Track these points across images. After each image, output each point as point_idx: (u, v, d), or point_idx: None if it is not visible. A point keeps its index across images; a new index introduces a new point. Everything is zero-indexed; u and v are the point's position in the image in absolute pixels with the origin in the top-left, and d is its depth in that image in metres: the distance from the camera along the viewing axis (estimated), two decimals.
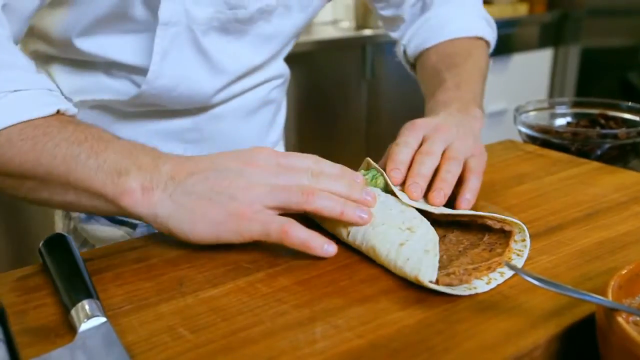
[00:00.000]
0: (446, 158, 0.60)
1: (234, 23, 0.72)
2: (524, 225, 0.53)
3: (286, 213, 0.53)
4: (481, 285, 0.47)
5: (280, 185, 0.52)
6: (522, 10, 2.63)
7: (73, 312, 0.44)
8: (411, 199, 0.56)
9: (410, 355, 0.40)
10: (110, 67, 0.72)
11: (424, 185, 0.58)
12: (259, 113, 0.84)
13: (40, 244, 0.53)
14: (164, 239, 0.56)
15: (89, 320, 0.43)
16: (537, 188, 0.68)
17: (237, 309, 0.46)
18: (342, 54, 2.16)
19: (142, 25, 0.68)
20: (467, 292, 0.46)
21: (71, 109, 0.58)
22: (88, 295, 0.45)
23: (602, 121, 0.91)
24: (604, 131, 0.85)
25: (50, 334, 0.43)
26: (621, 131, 0.83)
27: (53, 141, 0.53)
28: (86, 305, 0.44)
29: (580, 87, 2.66)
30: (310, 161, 0.56)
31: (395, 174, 0.59)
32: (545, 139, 0.86)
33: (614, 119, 0.91)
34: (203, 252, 0.53)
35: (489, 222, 0.55)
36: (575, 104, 0.97)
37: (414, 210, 0.55)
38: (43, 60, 0.76)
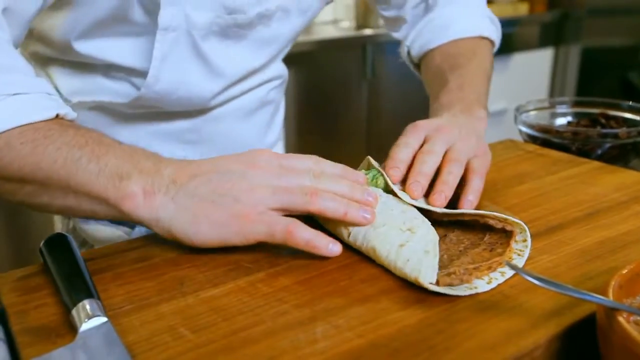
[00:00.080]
0: (448, 160, 0.60)
1: (234, 28, 0.72)
2: (525, 226, 0.53)
3: (289, 214, 0.53)
4: (482, 284, 0.47)
5: (283, 186, 0.52)
6: (523, 9, 2.63)
7: (74, 312, 0.44)
8: (412, 197, 0.56)
9: (411, 355, 0.40)
10: (109, 69, 0.72)
11: (425, 184, 0.58)
12: (257, 114, 0.84)
13: (41, 244, 0.53)
14: (165, 239, 0.56)
15: (90, 320, 0.43)
16: (538, 187, 0.68)
17: (238, 308, 0.46)
18: (343, 54, 2.16)
19: (142, 28, 0.68)
20: (467, 292, 0.46)
21: (70, 113, 0.58)
22: (89, 295, 0.45)
23: (603, 121, 0.91)
24: (604, 131, 0.85)
25: (51, 333, 0.43)
26: (622, 131, 0.83)
27: (54, 145, 0.53)
28: (87, 305, 0.44)
29: (581, 86, 2.66)
30: (311, 162, 0.56)
31: (394, 172, 0.58)
32: (545, 138, 0.86)
33: (615, 118, 0.91)
34: (204, 251, 0.53)
35: (491, 222, 0.55)
36: (576, 104, 0.97)
37: (415, 210, 0.55)
38: (42, 61, 0.76)
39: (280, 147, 0.96)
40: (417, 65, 0.91)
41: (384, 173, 0.59)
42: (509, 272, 0.49)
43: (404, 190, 0.58)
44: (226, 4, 0.69)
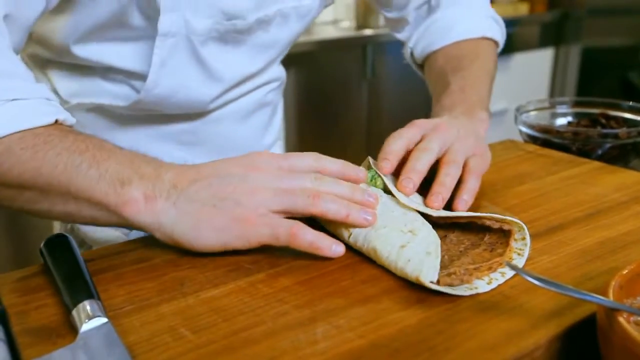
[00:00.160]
0: (445, 161, 0.60)
1: (233, 33, 0.72)
2: (522, 224, 0.53)
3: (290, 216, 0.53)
4: (482, 285, 0.47)
5: (284, 188, 0.52)
6: (523, 9, 2.63)
7: (74, 312, 0.44)
8: (403, 194, 0.56)
9: (412, 355, 0.40)
10: (108, 71, 0.72)
11: (417, 181, 0.57)
12: (255, 115, 0.84)
13: (41, 245, 0.53)
14: None
15: (90, 320, 0.43)
16: (538, 188, 0.68)
17: (239, 309, 0.46)
18: (343, 54, 2.16)
19: (141, 32, 0.68)
20: (468, 292, 0.46)
21: (69, 119, 0.57)
22: (89, 295, 0.45)
23: (603, 121, 0.91)
24: (604, 131, 0.85)
25: (52, 334, 0.43)
26: (622, 131, 0.83)
27: (54, 150, 0.52)
28: (87, 305, 0.44)
29: (581, 86, 2.66)
30: (310, 159, 0.55)
31: (384, 164, 0.58)
32: (546, 138, 0.86)
33: (615, 118, 0.91)
34: (204, 252, 0.53)
35: (488, 223, 0.55)
36: (576, 104, 0.97)
37: (416, 213, 0.55)
38: (41, 63, 0.76)
39: (278, 148, 0.96)
40: (421, 67, 0.91)
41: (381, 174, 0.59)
42: (510, 273, 0.49)
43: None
44: (225, 10, 0.69)
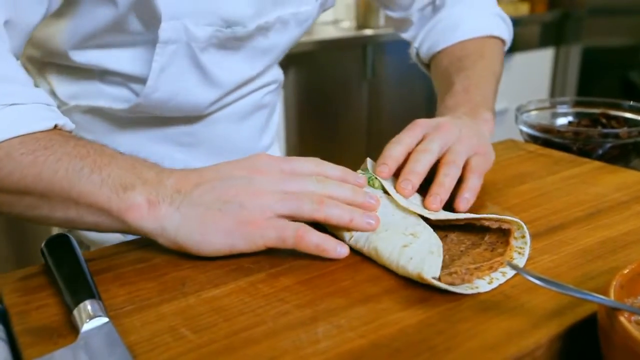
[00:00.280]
0: (444, 162, 0.60)
1: (232, 40, 0.72)
2: (521, 222, 0.53)
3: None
4: (483, 284, 0.47)
5: (290, 192, 0.52)
6: (523, 9, 2.63)
7: (75, 312, 0.44)
8: (402, 195, 0.56)
9: (412, 355, 0.40)
10: (106, 74, 0.72)
11: (416, 182, 0.57)
12: (252, 117, 0.84)
13: (42, 244, 0.53)
14: None
15: (91, 320, 0.43)
16: (539, 187, 0.68)
17: (239, 309, 0.46)
18: (343, 54, 2.16)
19: (140, 37, 0.68)
20: (469, 292, 0.46)
21: (69, 124, 0.57)
22: (90, 295, 0.45)
23: (604, 120, 0.91)
24: (605, 130, 0.85)
25: (53, 334, 0.43)
26: (623, 130, 0.83)
27: (55, 155, 0.52)
28: (88, 305, 0.44)
29: (582, 86, 2.66)
30: (312, 164, 0.55)
31: (382, 169, 0.58)
32: (546, 138, 0.86)
33: (616, 118, 0.91)
34: None
35: (486, 223, 0.55)
36: (577, 104, 0.97)
37: (417, 216, 0.55)
38: (39, 65, 0.76)
39: (275, 149, 0.96)
40: (428, 66, 0.91)
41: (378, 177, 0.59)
42: (510, 272, 0.49)
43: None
44: (225, 17, 0.69)
